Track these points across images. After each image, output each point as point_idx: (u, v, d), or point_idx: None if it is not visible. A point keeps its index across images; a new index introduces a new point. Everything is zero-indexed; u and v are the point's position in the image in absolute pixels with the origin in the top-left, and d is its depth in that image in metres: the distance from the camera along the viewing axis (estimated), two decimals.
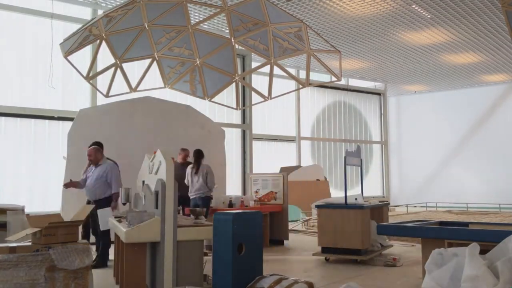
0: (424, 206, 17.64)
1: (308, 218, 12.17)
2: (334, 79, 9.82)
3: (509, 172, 17.54)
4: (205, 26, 10.99)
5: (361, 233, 6.71)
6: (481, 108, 18.80)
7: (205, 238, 4.95)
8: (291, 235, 9.49)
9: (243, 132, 14.12)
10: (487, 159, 18.19)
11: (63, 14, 10.30)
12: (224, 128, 11.50)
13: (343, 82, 17.28)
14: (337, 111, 18.32)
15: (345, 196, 7.17)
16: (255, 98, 11.40)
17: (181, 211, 7.87)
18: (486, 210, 16.10)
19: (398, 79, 18.17)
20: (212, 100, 10.54)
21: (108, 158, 7.01)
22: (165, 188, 4.66)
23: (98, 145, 7.00)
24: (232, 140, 13.57)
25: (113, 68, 9.17)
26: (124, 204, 6.13)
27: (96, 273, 5.46)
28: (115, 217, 5.84)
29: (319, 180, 14.65)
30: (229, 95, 12.65)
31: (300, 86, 10.93)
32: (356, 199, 7.45)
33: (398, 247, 8.19)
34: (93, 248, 5.90)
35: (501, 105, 18.49)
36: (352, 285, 4.29)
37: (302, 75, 13.87)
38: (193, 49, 9.52)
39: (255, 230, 4.89)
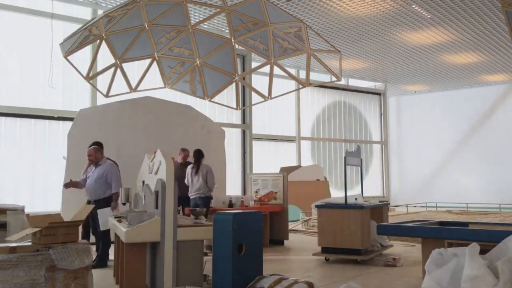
0: (424, 206, 17.62)
1: (308, 218, 12.18)
2: (334, 79, 9.83)
3: (509, 172, 17.54)
4: (205, 26, 10.99)
5: (361, 233, 6.71)
6: (481, 108, 18.79)
7: (204, 238, 4.96)
8: (291, 235, 9.49)
9: (243, 132, 14.12)
10: (487, 159, 18.19)
11: (63, 14, 10.30)
12: (224, 128, 11.49)
13: (343, 82, 17.28)
14: (337, 111, 18.32)
15: (345, 196, 7.17)
16: (255, 98, 11.40)
17: (181, 211, 7.88)
18: (486, 210, 16.10)
19: (398, 79, 18.17)
20: (212, 100, 10.54)
21: (108, 158, 7.02)
22: (165, 188, 4.67)
23: (98, 145, 7.01)
24: (232, 140, 13.57)
25: (113, 68, 9.18)
26: (124, 204, 6.13)
27: (96, 273, 5.46)
28: (115, 217, 5.84)
29: (319, 180, 14.68)
30: (229, 95, 12.64)
31: (300, 86, 10.94)
32: (356, 199, 7.44)
33: (398, 247, 8.18)
34: (93, 248, 5.90)
35: (501, 105, 18.49)
36: (352, 285, 4.29)
37: (302, 75, 13.87)
38: (193, 49, 9.52)
39: (255, 230, 4.89)
